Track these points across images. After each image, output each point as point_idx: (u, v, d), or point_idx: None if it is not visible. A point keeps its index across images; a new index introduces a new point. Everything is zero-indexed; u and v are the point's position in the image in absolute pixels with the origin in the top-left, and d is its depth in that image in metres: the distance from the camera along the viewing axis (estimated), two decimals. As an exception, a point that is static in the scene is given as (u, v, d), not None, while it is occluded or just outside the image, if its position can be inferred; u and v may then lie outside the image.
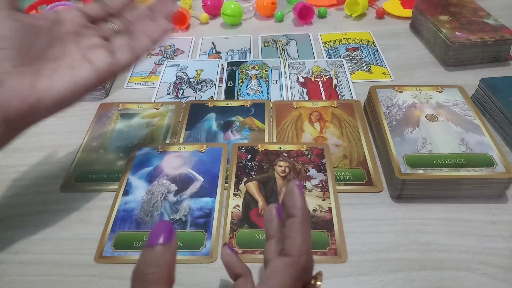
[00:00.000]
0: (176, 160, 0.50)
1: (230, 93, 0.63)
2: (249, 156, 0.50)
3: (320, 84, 0.63)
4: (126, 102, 0.61)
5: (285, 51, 0.74)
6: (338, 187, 0.46)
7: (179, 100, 0.62)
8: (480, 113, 0.51)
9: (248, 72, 0.67)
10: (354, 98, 0.60)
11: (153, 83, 0.67)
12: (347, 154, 0.50)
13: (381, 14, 0.82)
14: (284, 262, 0.27)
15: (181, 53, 0.75)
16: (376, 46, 0.73)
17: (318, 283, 0.29)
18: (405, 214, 0.43)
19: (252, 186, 0.46)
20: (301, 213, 0.29)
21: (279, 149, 0.50)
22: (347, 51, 0.72)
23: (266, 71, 0.67)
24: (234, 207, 0.44)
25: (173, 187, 0.47)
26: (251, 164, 0.49)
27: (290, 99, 0.61)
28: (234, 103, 0.59)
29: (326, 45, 0.74)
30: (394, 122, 0.50)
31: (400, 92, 0.54)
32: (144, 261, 0.26)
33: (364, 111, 0.57)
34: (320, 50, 0.73)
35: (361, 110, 0.57)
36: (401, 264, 0.39)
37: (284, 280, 0.27)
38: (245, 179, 0.47)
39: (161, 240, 0.26)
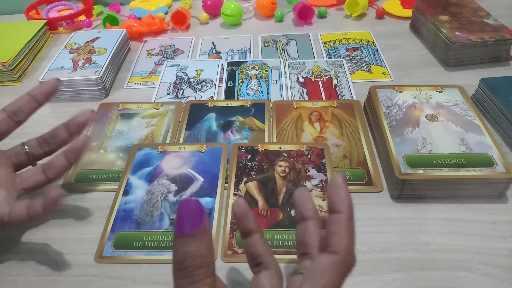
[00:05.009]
0: (176, 160, 0.50)
1: (230, 93, 0.63)
2: (249, 156, 0.50)
3: (320, 84, 0.63)
4: (126, 102, 0.61)
5: (285, 51, 0.74)
6: (338, 187, 0.46)
7: (179, 100, 0.62)
8: (480, 113, 0.51)
9: (248, 72, 0.67)
10: (354, 98, 0.60)
11: (153, 83, 0.67)
12: (347, 154, 0.50)
13: (381, 14, 0.82)
14: (333, 261, 0.26)
15: (181, 53, 0.75)
16: (376, 46, 0.73)
17: None
18: (405, 214, 0.43)
19: (252, 186, 0.46)
20: (348, 210, 0.27)
21: (279, 149, 0.50)
22: (347, 51, 0.72)
23: (266, 71, 0.67)
24: (234, 207, 0.44)
25: (173, 187, 0.47)
26: (251, 164, 0.49)
27: (290, 99, 0.61)
28: (234, 103, 0.59)
29: (326, 45, 0.74)
30: (394, 122, 0.50)
31: (400, 92, 0.54)
32: (181, 252, 0.24)
33: (364, 111, 0.57)
34: (320, 50, 0.73)
35: (361, 110, 0.57)
36: (401, 264, 0.39)
37: (334, 280, 0.26)
38: (245, 179, 0.47)
39: (190, 228, 0.23)
